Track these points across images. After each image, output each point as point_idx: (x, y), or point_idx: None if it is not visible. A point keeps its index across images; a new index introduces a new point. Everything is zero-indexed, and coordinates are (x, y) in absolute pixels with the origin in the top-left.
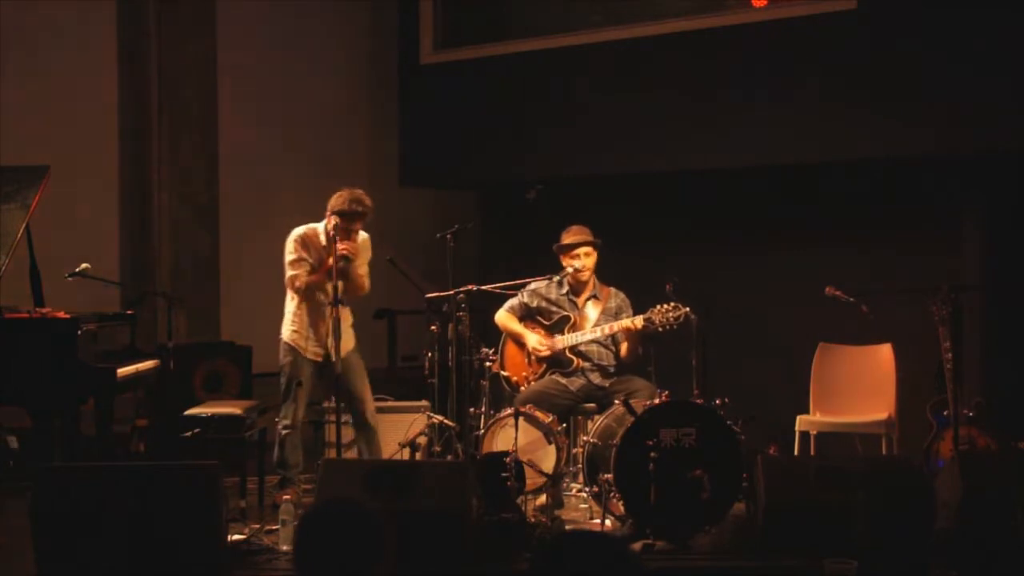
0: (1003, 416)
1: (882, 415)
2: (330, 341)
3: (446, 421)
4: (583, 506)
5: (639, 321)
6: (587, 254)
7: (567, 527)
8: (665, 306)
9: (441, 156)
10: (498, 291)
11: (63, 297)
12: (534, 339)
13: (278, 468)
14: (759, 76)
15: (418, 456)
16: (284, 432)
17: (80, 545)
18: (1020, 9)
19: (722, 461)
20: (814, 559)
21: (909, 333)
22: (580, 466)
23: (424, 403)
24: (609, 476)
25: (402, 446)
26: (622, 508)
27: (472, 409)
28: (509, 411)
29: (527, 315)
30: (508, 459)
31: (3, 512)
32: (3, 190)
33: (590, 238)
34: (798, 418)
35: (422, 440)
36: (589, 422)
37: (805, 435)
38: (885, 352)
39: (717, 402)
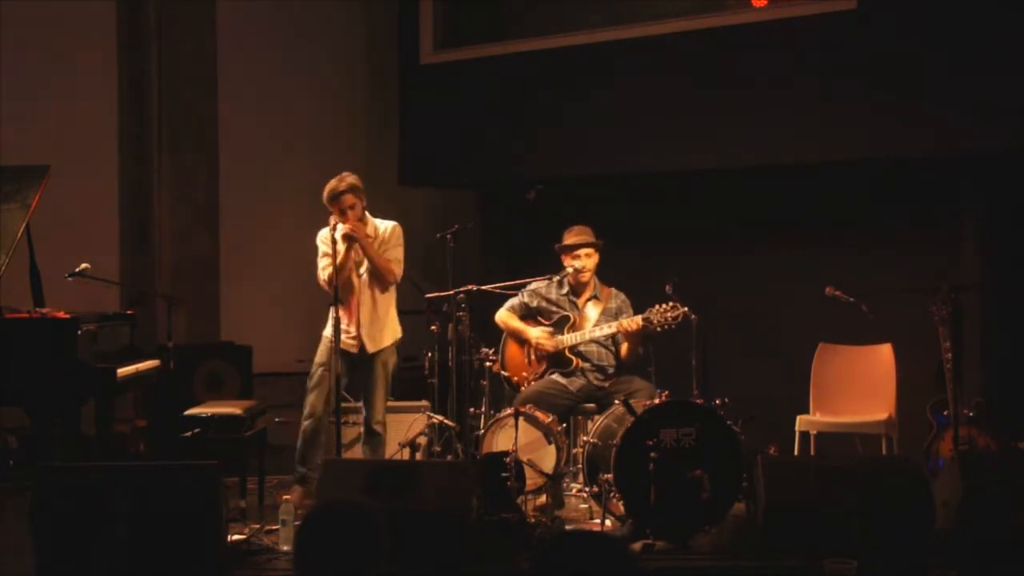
0: (1003, 416)
1: (882, 415)
2: (362, 331)
3: (446, 421)
4: (583, 506)
5: (638, 321)
6: (588, 255)
7: (567, 527)
8: (663, 306)
9: (441, 156)
10: (498, 291)
11: (63, 297)
12: (537, 332)
13: (296, 463)
14: (759, 76)
15: (418, 456)
16: (305, 423)
17: (80, 545)
18: (1020, 9)
19: (722, 461)
20: (814, 559)
21: (909, 333)
22: (580, 466)
23: (424, 403)
24: (609, 476)
25: (402, 446)
26: (622, 508)
27: (472, 409)
28: (509, 411)
29: (527, 315)
30: (508, 459)
31: (3, 512)
32: (3, 190)
33: (592, 239)
34: (798, 418)
35: (422, 440)
36: (589, 422)
37: (805, 435)
38: (885, 352)
39: (717, 402)
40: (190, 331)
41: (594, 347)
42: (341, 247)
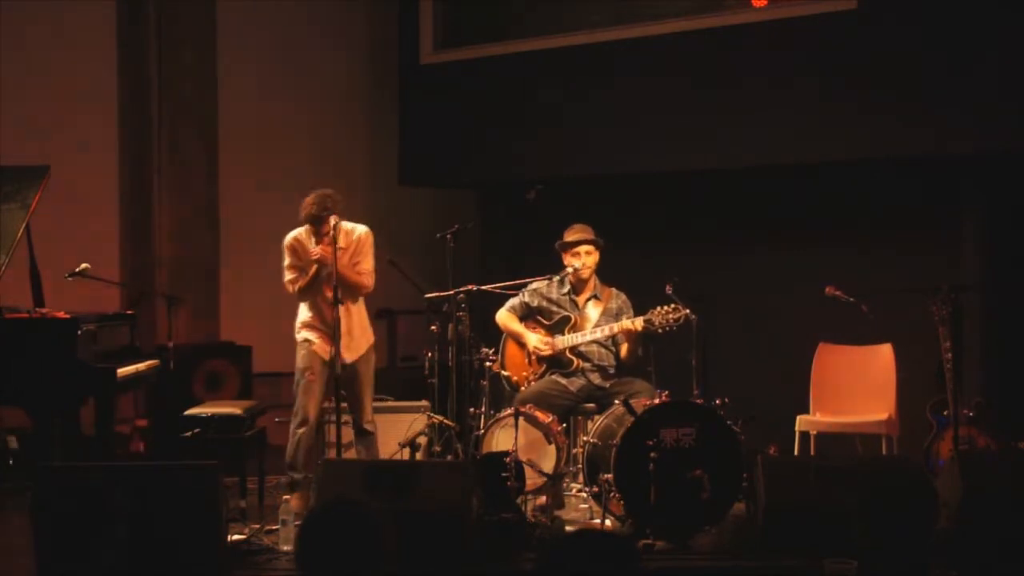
0: (1003, 416)
1: (882, 415)
2: (345, 340)
3: (446, 421)
4: (583, 506)
5: (639, 322)
6: (588, 252)
7: (567, 527)
8: (665, 308)
9: (441, 156)
10: (498, 291)
11: (63, 297)
12: (535, 339)
13: (288, 470)
14: (759, 76)
15: (418, 456)
16: (298, 431)
17: (80, 545)
18: (1020, 9)
19: (722, 461)
20: (814, 559)
21: (909, 333)
22: (580, 466)
23: (424, 403)
24: (609, 476)
25: (402, 446)
26: (622, 508)
27: (472, 409)
28: (509, 411)
29: (528, 315)
30: (508, 459)
31: (3, 512)
32: (3, 190)
33: (591, 236)
34: (798, 418)
35: (422, 440)
36: (589, 422)
37: (805, 435)
38: (885, 352)
39: (717, 402)
40: (190, 331)
41: (594, 347)
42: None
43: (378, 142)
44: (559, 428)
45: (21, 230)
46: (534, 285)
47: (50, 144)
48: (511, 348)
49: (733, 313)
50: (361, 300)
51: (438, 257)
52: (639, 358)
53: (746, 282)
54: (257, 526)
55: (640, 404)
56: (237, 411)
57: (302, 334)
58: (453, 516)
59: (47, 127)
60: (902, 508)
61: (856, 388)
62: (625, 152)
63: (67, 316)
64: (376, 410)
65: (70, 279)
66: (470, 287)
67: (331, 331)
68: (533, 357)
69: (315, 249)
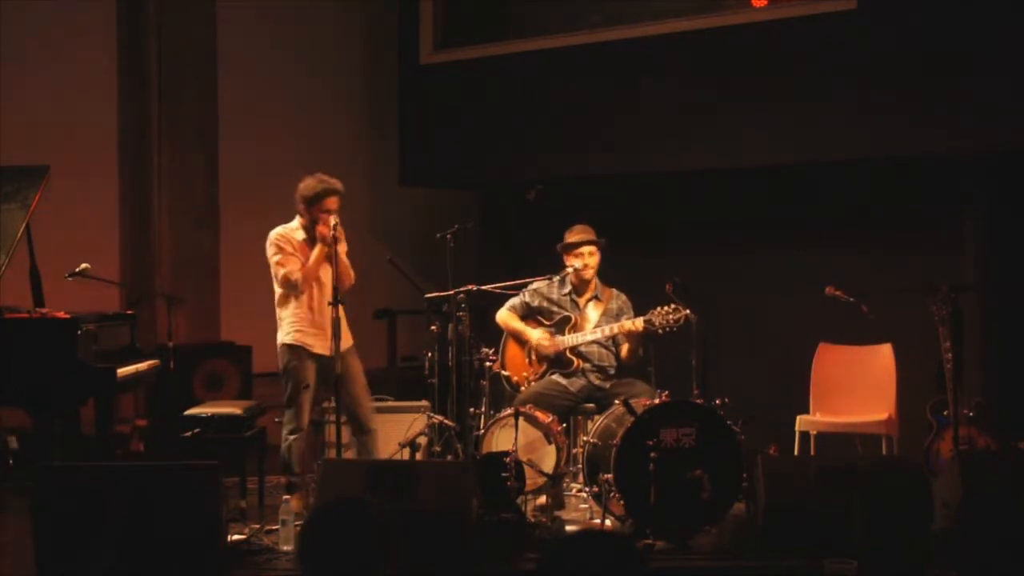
0: (1003, 416)
1: (882, 415)
2: (331, 334)
3: (446, 421)
4: (583, 506)
5: (639, 323)
6: (591, 253)
7: (567, 527)
8: (665, 308)
9: (441, 156)
10: (498, 291)
11: (63, 297)
12: (537, 334)
13: (284, 472)
14: (759, 76)
15: (418, 456)
16: (292, 438)
17: (80, 545)
18: (1020, 9)
19: (722, 461)
20: (814, 559)
21: (909, 333)
22: (580, 466)
23: (424, 403)
24: (609, 476)
25: (402, 446)
26: (622, 508)
27: (472, 409)
28: (509, 411)
29: (528, 315)
30: (508, 459)
31: (3, 512)
32: (3, 190)
33: (593, 236)
34: (798, 418)
35: (422, 440)
36: (589, 422)
37: (805, 435)
38: (885, 352)
39: (717, 402)
40: (190, 331)
41: (595, 348)
42: (315, 249)
43: (378, 142)
44: (559, 428)
45: (21, 230)
46: (535, 285)
47: (50, 144)
48: (511, 348)
49: (733, 313)
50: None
51: (438, 257)
52: (639, 358)
53: (746, 282)
54: (257, 526)
55: (640, 404)
56: (237, 411)
57: (295, 337)
58: (453, 516)
59: (47, 127)
60: (902, 508)
61: (856, 388)
62: (625, 152)
63: (67, 316)
64: (376, 410)
65: (70, 279)
66: (470, 287)
67: (325, 329)
68: (533, 357)
69: (325, 227)
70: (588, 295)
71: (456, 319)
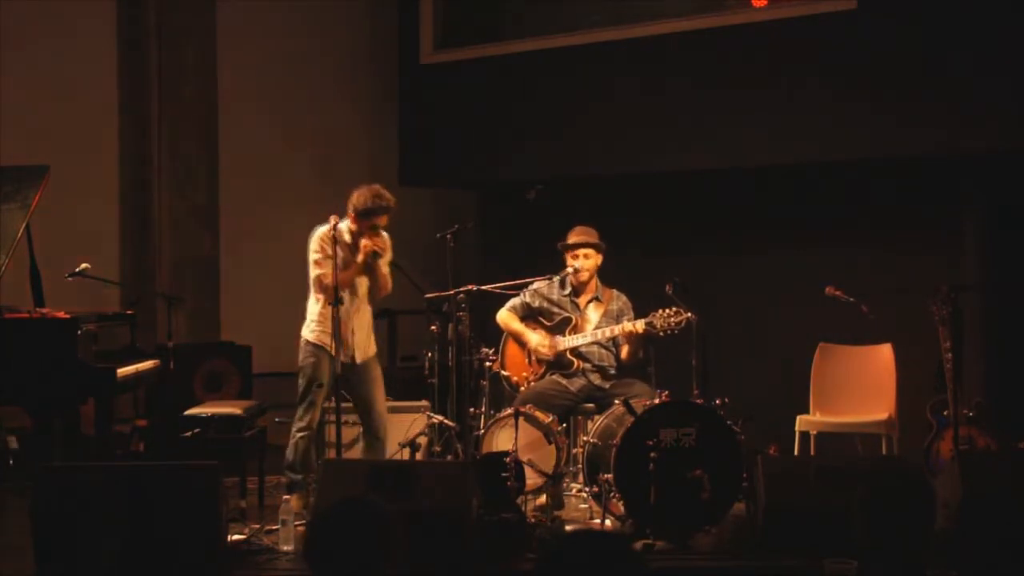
0: (1003, 416)
1: (882, 415)
2: (354, 340)
3: (446, 421)
4: (583, 506)
5: (640, 325)
6: (587, 255)
7: (567, 527)
8: (667, 311)
9: (441, 156)
10: (498, 291)
11: (63, 297)
12: (536, 339)
13: (287, 471)
14: (759, 76)
15: (418, 456)
16: (299, 435)
17: (80, 545)
18: (1020, 9)
19: (722, 461)
20: (814, 559)
21: (909, 333)
22: (580, 466)
23: (424, 403)
24: (609, 476)
25: (402, 446)
26: (622, 508)
27: (472, 409)
28: (509, 411)
29: (529, 315)
30: (508, 459)
31: (3, 512)
32: (3, 190)
33: (594, 240)
34: (798, 418)
35: (422, 440)
36: (589, 422)
37: (805, 435)
38: (885, 352)
39: (717, 402)
40: (190, 331)
41: (595, 348)
42: (357, 256)
43: (378, 142)
44: (559, 428)
45: (21, 230)
46: (535, 285)
47: (50, 144)
48: (511, 348)
49: (733, 313)
50: (370, 306)
51: (438, 257)
52: (640, 359)
53: (746, 282)
54: (257, 526)
55: (640, 404)
56: (237, 411)
57: (318, 337)
58: (453, 516)
59: (47, 127)
60: (902, 508)
61: (856, 388)
62: (625, 152)
63: (67, 316)
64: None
65: (70, 279)
66: (470, 287)
67: (352, 330)
68: (533, 357)
69: (371, 240)
70: (588, 296)
71: (456, 319)
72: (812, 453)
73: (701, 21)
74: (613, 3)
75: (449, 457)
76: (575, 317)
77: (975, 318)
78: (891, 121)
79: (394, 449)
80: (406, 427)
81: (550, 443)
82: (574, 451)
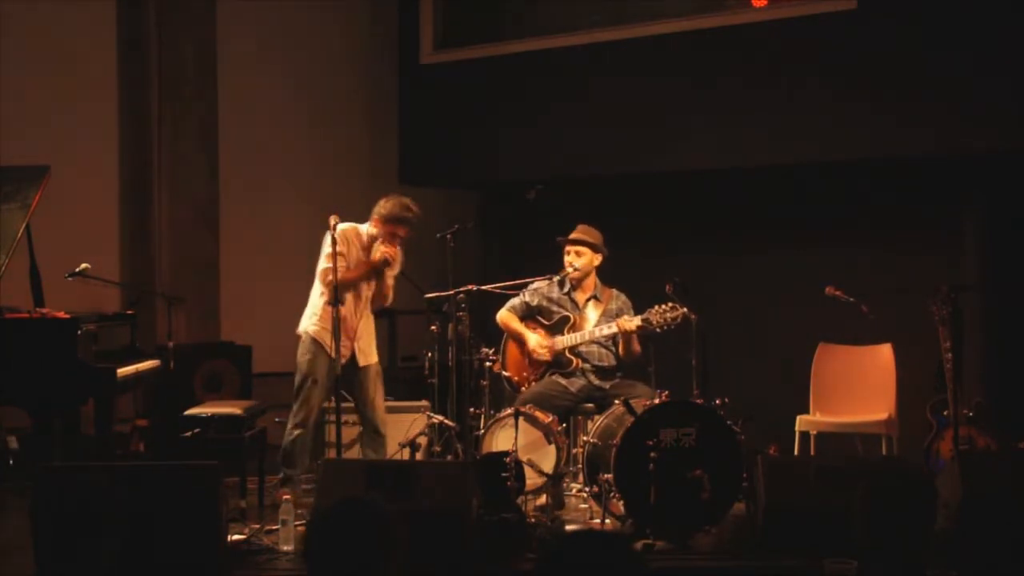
0: (1003, 416)
1: (882, 415)
2: (359, 344)
3: (446, 421)
4: (583, 506)
5: (637, 321)
6: (579, 253)
7: (567, 527)
8: (663, 306)
9: (441, 156)
10: (498, 291)
11: (63, 297)
12: (534, 340)
13: (283, 465)
14: (759, 76)
15: (418, 456)
16: (296, 432)
17: (80, 545)
18: (1020, 9)
19: (722, 461)
20: (814, 559)
21: (909, 333)
22: (580, 466)
23: (424, 403)
24: (609, 476)
25: (402, 446)
26: (622, 508)
27: (472, 409)
28: (509, 411)
29: (528, 314)
30: (508, 459)
31: (3, 512)
32: (3, 190)
33: (589, 238)
34: (798, 418)
35: (422, 440)
36: (589, 422)
37: (805, 435)
38: (885, 352)
39: (717, 402)
40: (190, 331)
41: (594, 347)
42: (368, 256)
43: (378, 142)
44: (559, 428)
45: (21, 230)
46: (535, 285)
47: (50, 144)
48: (512, 349)
49: (733, 313)
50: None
51: (438, 257)
52: (639, 357)
53: (746, 282)
54: (257, 526)
55: (640, 404)
56: (237, 411)
57: (318, 332)
58: (453, 516)
59: (47, 127)
60: (902, 508)
61: (856, 388)
62: (625, 152)
63: (67, 316)
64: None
65: (70, 279)
66: (470, 287)
67: (352, 330)
68: (532, 359)
69: (386, 248)
70: (587, 295)
71: (456, 319)
72: (812, 453)
73: (701, 21)
74: (613, 3)
75: (449, 457)
76: (574, 316)
77: (975, 318)
78: (891, 121)
79: (394, 449)
80: (406, 427)
81: (550, 443)
82: (574, 451)
